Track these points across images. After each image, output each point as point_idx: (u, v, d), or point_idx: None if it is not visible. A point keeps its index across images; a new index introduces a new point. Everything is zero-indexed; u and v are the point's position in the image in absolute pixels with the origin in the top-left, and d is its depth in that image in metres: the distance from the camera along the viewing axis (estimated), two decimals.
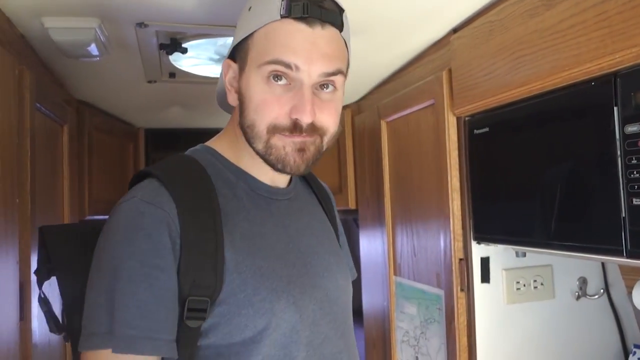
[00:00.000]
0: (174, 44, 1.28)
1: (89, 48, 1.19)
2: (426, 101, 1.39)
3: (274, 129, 0.78)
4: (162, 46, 1.29)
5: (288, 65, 0.76)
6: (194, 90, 1.76)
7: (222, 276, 0.74)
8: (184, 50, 1.30)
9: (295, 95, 0.77)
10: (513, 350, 1.26)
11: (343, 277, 0.93)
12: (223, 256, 0.74)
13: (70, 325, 0.84)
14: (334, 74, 0.79)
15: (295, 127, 0.78)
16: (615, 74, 0.82)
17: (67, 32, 1.13)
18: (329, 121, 0.81)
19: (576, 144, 0.92)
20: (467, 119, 1.24)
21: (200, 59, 1.50)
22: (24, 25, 1.13)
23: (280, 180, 0.89)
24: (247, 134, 0.81)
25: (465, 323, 1.27)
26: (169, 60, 1.44)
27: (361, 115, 1.91)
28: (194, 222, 0.73)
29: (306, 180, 1.01)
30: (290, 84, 0.77)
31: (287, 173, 0.82)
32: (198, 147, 0.89)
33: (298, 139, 0.79)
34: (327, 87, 0.80)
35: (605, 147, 0.84)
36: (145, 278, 0.69)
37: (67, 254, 0.88)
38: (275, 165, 0.80)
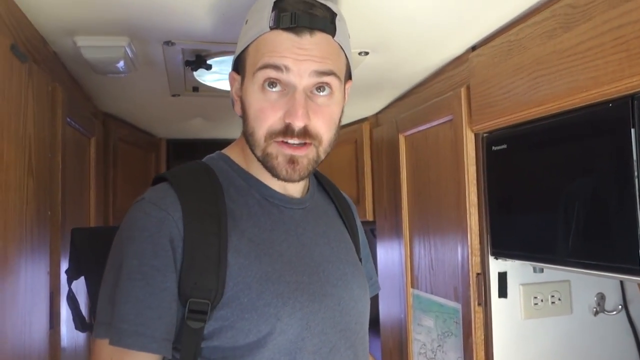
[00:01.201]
0: (199, 61, 1.32)
1: (117, 65, 1.24)
2: (444, 117, 1.41)
3: (270, 136, 0.80)
4: (187, 63, 1.33)
5: (278, 67, 0.77)
6: (215, 102, 1.80)
7: (224, 280, 0.75)
8: (209, 67, 1.34)
9: (289, 100, 0.79)
10: None
11: (359, 287, 0.92)
12: (226, 260, 0.76)
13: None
14: (326, 73, 0.79)
15: (287, 131, 0.79)
16: (632, 97, 0.83)
17: (98, 51, 1.17)
18: (323, 128, 0.82)
19: (594, 163, 0.93)
20: (485, 135, 1.25)
21: (223, 74, 1.53)
22: (57, 43, 1.18)
23: (293, 189, 0.89)
24: (249, 141, 0.83)
25: (483, 337, 1.28)
26: (193, 75, 1.48)
27: (379, 128, 1.93)
28: (198, 225, 0.75)
29: (326, 190, 1.03)
30: (284, 89, 0.79)
31: (282, 180, 0.83)
32: (214, 154, 0.91)
33: (288, 151, 0.80)
34: (323, 90, 0.81)
35: (623, 167, 0.86)
36: (143, 277, 0.72)
37: (96, 255, 0.91)
38: (271, 172, 0.83)
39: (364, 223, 2.35)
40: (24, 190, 0.95)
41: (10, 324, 0.88)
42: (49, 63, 1.18)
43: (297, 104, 0.78)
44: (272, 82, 0.79)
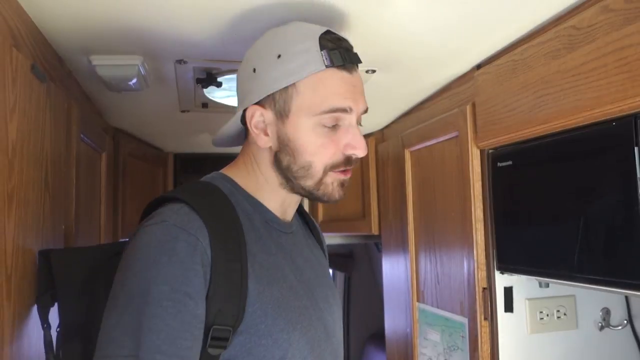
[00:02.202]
0: (210, 79, 1.35)
1: (130, 83, 1.26)
2: (450, 133, 1.43)
3: (330, 167, 0.85)
4: (198, 80, 1.36)
5: (345, 110, 0.84)
6: (223, 118, 1.81)
7: (245, 306, 0.75)
8: (219, 84, 1.36)
9: (345, 133, 0.85)
10: None
11: (338, 309, 0.97)
12: (247, 287, 0.76)
13: (68, 350, 0.85)
14: (366, 110, 0.89)
15: (348, 162, 0.86)
16: (635, 116, 0.85)
17: (112, 69, 1.20)
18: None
19: (598, 180, 0.95)
20: (490, 151, 1.28)
21: (232, 91, 1.56)
22: (72, 62, 1.21)
23: (289, 214, 0.94)
24: (297, 173, 0.85)
25: (489, 352, 1.29)
26: (202, 92, 1.51)
27: (385, 144, 1.95)
28: (224, 251, 0.75)
29: (301, 214, 1.06)
30: (337, 124, 0.85)
31: (332, 202, 0.89)
32: (215, 174, 0.91)
33: (343, 176, 0.87)
34: (359, 123, 0.89)
35: (627, 184, 0.87)
36: (175, 304, 0.69)
37: (74, 278, 0.88)
38: (322, 198, 0.88)
39: (370, 237, 2.37)
40: (41, 206, 0.97)
41: (27, 342, 0.89)
42: (64, 81, 1.21)
43: (359, 138, 0.85)
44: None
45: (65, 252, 0.94)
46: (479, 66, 1.32)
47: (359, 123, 0.88)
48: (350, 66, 0.85)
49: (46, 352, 0.88)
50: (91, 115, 1.52)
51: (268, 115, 0.86)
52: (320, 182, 0.86)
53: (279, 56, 0.83)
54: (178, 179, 2.48)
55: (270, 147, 0.87)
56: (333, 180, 0.86)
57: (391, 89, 1.52)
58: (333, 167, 0.85)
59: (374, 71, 1.34)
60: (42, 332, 0.90)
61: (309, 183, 0.86)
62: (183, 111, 1.70)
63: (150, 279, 0.70)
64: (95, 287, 0.85)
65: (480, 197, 1.32)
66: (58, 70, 1.16)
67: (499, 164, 1.24)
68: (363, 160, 2.12)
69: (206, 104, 1.65)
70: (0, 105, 0.78)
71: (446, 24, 1.06)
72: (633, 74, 0.83)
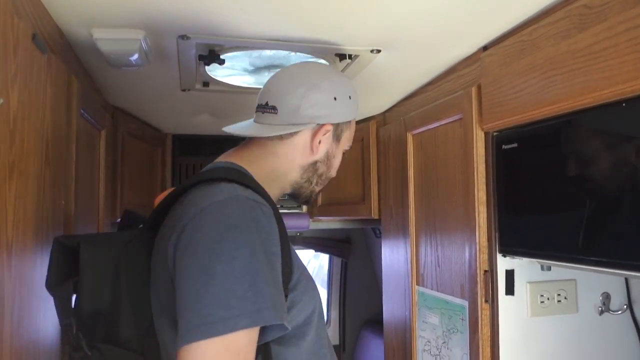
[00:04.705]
0: (212, 56, 1.33)
1: (132, 58, 1.24)
2: (454, 115, 1.42)
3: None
4: (200, 57, 1.34)
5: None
6: (225, 98, 1.81)
7: (292, 268, 0.90)
8: (222, 62, 1.34)
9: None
10: None
11: None
12: (291, 253, 0.91)
13: (92, 335, 0.86)
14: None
15: None
16: None
17: (114, 43, 1.18)
18: None
19: (604, 162, 0.95)
20: (495, 134, 1.27)
21: (235, 70, 1.55)
22: (73, 35, 1.18)
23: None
24: (320, 178, 1.09)
25: (489, 334, 1.29)
26: (204, 70, 1.49)
27: (386, 127, 1.94)
28: (279, 222, 0.88)
29: None
30: None
31: (303, 204, 1.16)
32: (226, 163, 1.00)
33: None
34: None
35: (634, 166, 0.87)
36: (269, 262, 0.79)
37: (98, 268, 0.89)
38: (305, 198, 1.11)
39: (369, 221, 2.37)
40: (41, 179, 0.95)
41: (28, 314, 0.89)
42: (65, 55, 1.19)
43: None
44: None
45: (91, 244, 0.94)
46: (485, 47, 1.30)
47: None
48: None
49: (66, 334, 0.88)
50: (91, 92, 1.50)
51: (330, 135, 1.06)
52: (316, 186, 1.10)
53: (350, 97, 1.08)
54: (176, 161, 2.46)
55: (313, 157, 1.06)
56: (319, 189, 1.13)
57: (395, 70, 1.51)
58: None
59: (379, 51, 1.32)
60: (44, 308, 0.92)
61: (319, 188, 1.11)
62: (184, 90, 1.68)
63: (246, 244, 0.77)
64: (117, 275, 0.88)
65: (484, 179, 1.31)
66: (59, 44, 1.13)
67: (504, 147, 1.23)
68: (364, 144, 2.10)
69: (207, 82, 1.63)
70: (1, 74, 0.76)
71: (453, 3, 1.04)
72: None
